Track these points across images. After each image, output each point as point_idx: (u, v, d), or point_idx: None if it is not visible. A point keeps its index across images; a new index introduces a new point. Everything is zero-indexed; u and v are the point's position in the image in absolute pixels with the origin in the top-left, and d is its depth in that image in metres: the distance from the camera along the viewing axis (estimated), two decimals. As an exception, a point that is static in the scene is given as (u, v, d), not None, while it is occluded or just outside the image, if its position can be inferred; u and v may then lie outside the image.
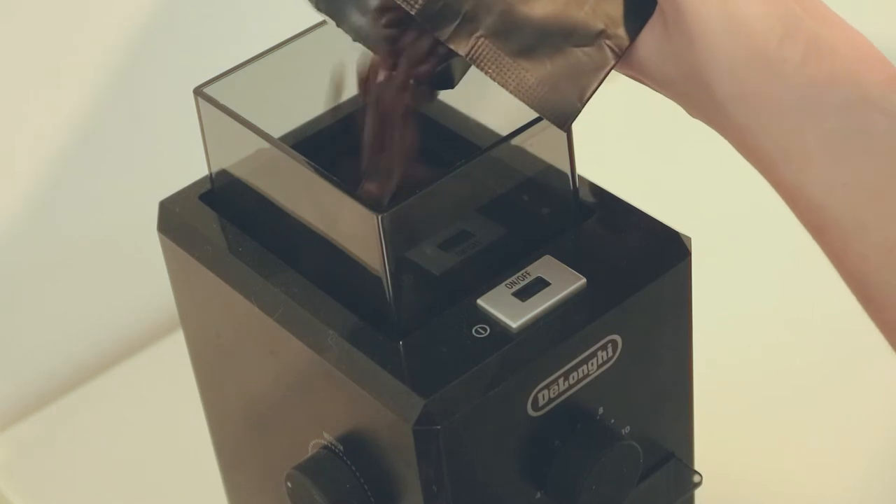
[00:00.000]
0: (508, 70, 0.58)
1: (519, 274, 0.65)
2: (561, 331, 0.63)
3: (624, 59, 0.59)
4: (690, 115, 0.60)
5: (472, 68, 0.63)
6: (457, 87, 0.66)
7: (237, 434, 0.77)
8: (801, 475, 0.88)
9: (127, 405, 1.00)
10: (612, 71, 0.59)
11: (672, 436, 0.72)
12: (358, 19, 0.64)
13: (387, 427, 0.62)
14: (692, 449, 0.74)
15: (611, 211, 0.69)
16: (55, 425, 1.00)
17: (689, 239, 0.68)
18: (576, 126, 0.62)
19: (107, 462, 0.96)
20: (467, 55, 0.58)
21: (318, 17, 0.67)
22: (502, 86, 0.58)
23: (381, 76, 0.65)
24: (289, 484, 0.67)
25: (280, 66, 0.72)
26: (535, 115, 0.63)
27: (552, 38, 0.58)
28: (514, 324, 0.63)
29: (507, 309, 0.64)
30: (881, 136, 0.55)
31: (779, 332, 0.97)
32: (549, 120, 0.59)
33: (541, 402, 0.64)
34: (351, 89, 0.70)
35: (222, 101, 0.69)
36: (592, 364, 0.65)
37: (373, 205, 0.62)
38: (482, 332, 0.63)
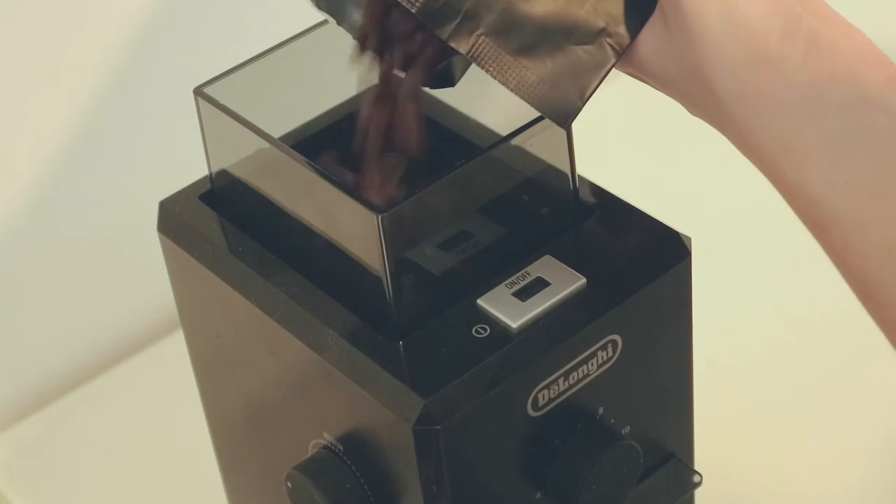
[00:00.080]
0: (509, 68, 0.58)
1: (519, 274, 0.65)
2: (561, 331, 0.63)
3: (624, 58, 0.59)
4: (691, 113, 0.60)
5: (472, 67, 0.64)
6: (457, 87, 0.66)
7: (237, 434, 0.77)
8: (801, 475, 0.88)
9: (127, 405, 1.00)
10: (613, 69, 0.59)
11: (672, 436, 0.72)
12: (359, 17, 0.64)
13: (387, 427, 0.62)
14: (692, 449, 0.74)
15: (611, 211, 0.69)
16: (55, 425, 1.00)
17: (689, 239, 0.68)
18: (576, 126, 0.62)
19: (107, 462, 0.96)
20: (468, 53, 0.58)
21: (318, 17, 0.67)
22: (503, 84, 0.58)
23: (380, 75, 0.65)
24: (289, 484, 0.67)
25: (280, 66, 0.72)
26: (535, 114, 0.63)
27: (553, 37, 0.58)
28: (514, 324, 0.63)
29: (507, 309, 0.64)
30: (881, 136, 0.55)
31: (779, 332, 0.97)
32: (550, 118, 0.59)
33: (541, 402, 0.64)
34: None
35: (222, 101, 0.69)
36: (592, 364, 0.65)
37: (373, 205, 0.62)
38: (482, 332, 0.63)
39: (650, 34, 0.58)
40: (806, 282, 0.97)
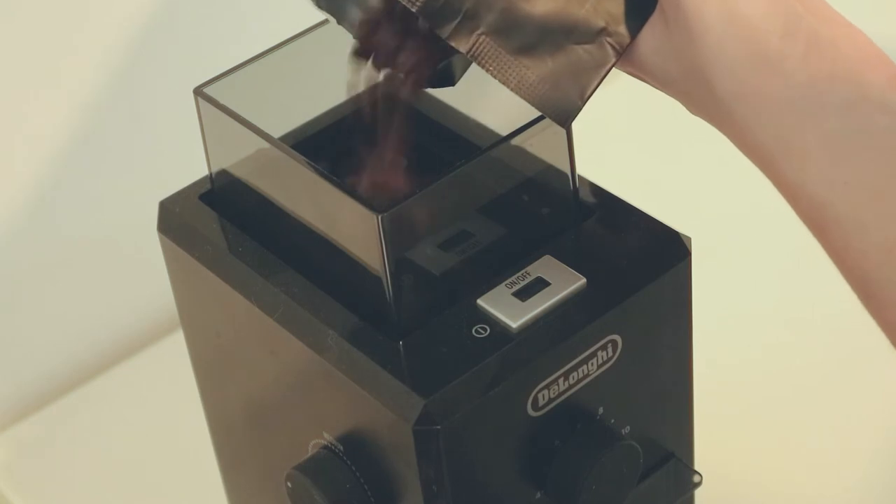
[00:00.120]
0: (509, 67, 0.58)
1: (519, 274, 0.65)
2: (561, 331, 0.63)
3: (625, 57, 0.59)
4: (691, 112, 0.60)
5: (473, 67, 0.64)
6: (457, 87, 0.66)
7: (237, 434, 0.77)
8: (801, 475, 0.88)
9: (127, 405, 1.00)
10: (613, 69, 0.59)
11: (672, 436, 0.72)
12: (359, 16, 0.64)
13: (387, 427, 0.62)
14: (692, 449, 0.74)
15: (611, 211, 0.69)
16: (55, 425, 1.00)
17: (689, 239, 0.68)
18: (576, 126, 0.62)
19: (107, 462, 0.96)
20: (468, 53, 0.58)
21: (319, 17, 0.67)
22: (503, 83, 0.58)
23: (379, 73, 0.65)
24: (289, 484, 0.67)
25: (280, 66, 0.72)
26: (535, 114, 0.63)
27: (553, 36, 0.58)
28: (514, 324, 0.63)
29: (507, 309, 0.64)
30: (882, 135, 0.55)
31: (779, 332, 0.97)
32: (550, 118, 0.59)
33: (541, 402, 0.64)
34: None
35: (222, 101, 0.69)
36: (592, 364, 0.65)
37: (373, 205, 0.62)
38: (482, 332, 0.63)
39: (650, 34, 0.58)
40: (806, 282, 0.97)
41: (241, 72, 0.71)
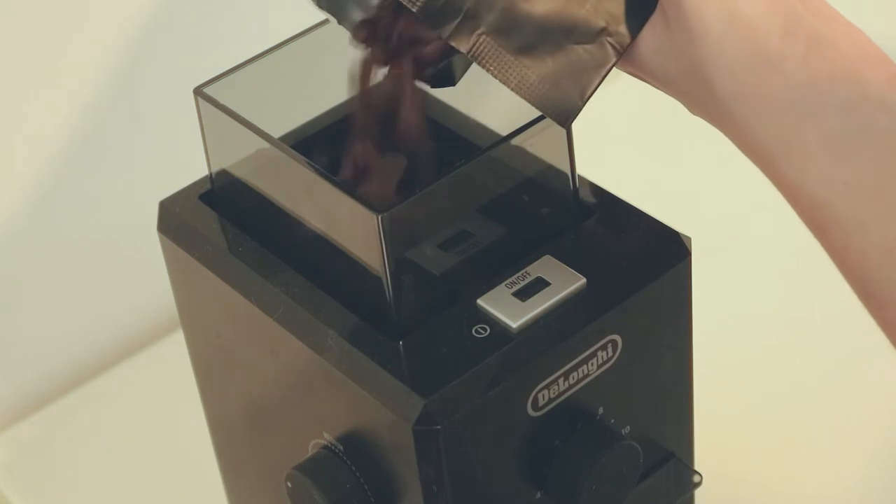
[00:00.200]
0: (510, 67, 0.58)
1: (519, 274, 0.65)
2: (561, 331, 0.63)
3: (625, 57, 0.59)
4: (691, 112, 0.60)
5: (473, 67, 0.64)
6: (457, 87, 0.66)
7: (237, 434, 0.77)
8: (801, 475, 0.88)
9: (127, 405, 1.00)
10: (613, 69, 0.59)
11: (672, 436, 0.72)
12: (359, 16, 0.64)
13: (387, 427, 0.62)
14: (692, 449, 0.74)
15: (611, 211, 0.69)
16: (55, 425, 1.00)
17: (689, 239, 0.68)
18: (576, 126, 0.62)
19: (107, 462, 0.96)
20: (469, 52, 0.58)
21: (319, 17, 0.67)
22: (503, 83, 0.58)
23: (378, 72, 0.65)
24: (289, 484, 0.67)
25: (280, 66, 0.72)
26: (535, 114, 0.63)
27: (553, 36, 0.58)
28: (514, 324, 0.63)
29: (507, 309, 0.64)
30: (882, 135, 0.55)
31: (779, 332, 0.97)
32: (551, 117, 0.59)
33: (541, 402, 0.64)
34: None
35: (222, 101, 0.69)
36: (592, 364, 0.65)
37: (373, 205, 0.62)
38: (482, 332, 0.63)
39: (651, 33, 0.58)
40: (806, 282, 0.97)
41: (241, 72, 0.71)
